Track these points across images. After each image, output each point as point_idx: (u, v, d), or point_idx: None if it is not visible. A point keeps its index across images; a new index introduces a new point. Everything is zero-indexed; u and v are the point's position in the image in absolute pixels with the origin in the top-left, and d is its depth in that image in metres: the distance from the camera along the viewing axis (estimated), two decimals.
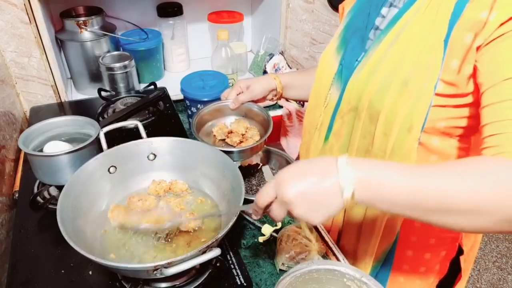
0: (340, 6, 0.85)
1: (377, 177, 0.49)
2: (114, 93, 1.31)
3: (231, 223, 0.64)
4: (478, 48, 0.55)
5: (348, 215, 0.83)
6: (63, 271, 0.75)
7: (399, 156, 0.66)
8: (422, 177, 0.49)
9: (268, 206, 0.56)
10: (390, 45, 0.65)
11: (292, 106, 1.44)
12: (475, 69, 0.56)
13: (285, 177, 0.53)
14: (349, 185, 0.49)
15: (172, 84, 1.42)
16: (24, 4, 1.13)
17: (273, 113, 1.45)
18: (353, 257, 0.84)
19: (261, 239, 0.86)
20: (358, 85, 0.70)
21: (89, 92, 1.39)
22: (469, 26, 0.56)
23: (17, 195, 0.95)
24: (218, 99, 1.20)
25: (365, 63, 0.69)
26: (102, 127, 0.86)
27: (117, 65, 1.28)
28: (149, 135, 0.87)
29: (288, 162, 1.06)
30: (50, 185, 0.87)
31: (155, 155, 0.85)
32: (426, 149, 0.67)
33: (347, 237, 0.85)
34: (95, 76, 1.35)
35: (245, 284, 0.73)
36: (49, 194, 0.86)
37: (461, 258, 0.79)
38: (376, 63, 0.67)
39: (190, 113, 1.24)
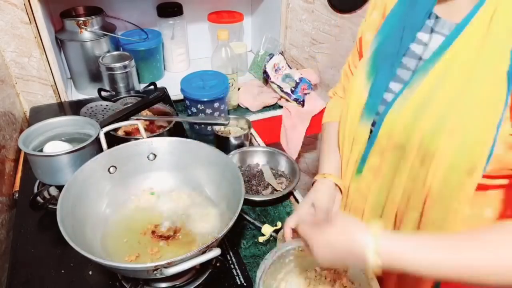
0: (358, 34, 0.79)
1: (404, 257, 0.51)
2: (114, 93, 1.31)
3: (231, 223, 0.64)
4: None
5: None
6: (63, 271, 0.75)
7: (456, 201, 0.61)
8: (444, 251, 0.50)
9: None
10: (440, 78, 0.59)
11: (292, 106, 1.44)
12: None
13: (318, 246, 0.57)
14: (375, 267, 0.52)
15: (172, 84, 1.42)
16: (24, 4, 1.13)
17: (273, 113, 1.45)
18: None
19: (261, 239, 0.86)
20: (405, 122, 0.63)
21: (89, 92, 1.39)
22: None
23: (17, 195, 0.95)
24: (219, 99, 1.21)
25: (409, 96, 0.62)
26: (102, 127, 0.86)
27: (117, 65, 1.28)
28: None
29: (288, 162, 1.06)
30: (50, 185, 0.87)
31: (155, 155, 0.85)
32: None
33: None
34: (95, 76, 1.35)
35: (245, 284, 0.73)
36: (49, 194, 0.86)
37: None
38: (425, 98, 0.61)
39: (190, 113, 1.24)
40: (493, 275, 0.49)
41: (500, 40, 0.53)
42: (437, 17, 0.63)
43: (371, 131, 0.70)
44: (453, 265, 0.50)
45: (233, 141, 1.12)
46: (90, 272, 0.74)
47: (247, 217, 0.91)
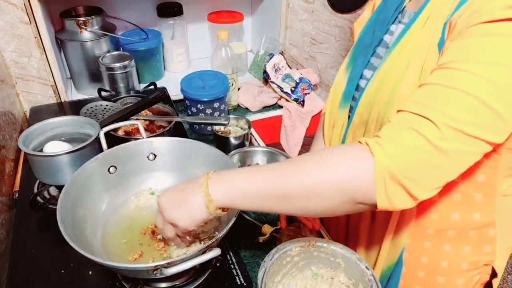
0: (353, 26, 0.85)
1: (231, 181, 0.58)
2: (114, 93, 1.31)
3: (231, 223, 0.64)
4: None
5: (352, 230, 0.82)
6: (63, 271, 0.75)
7: None
8: (264, 173, 0.57)
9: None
10: (396, 58, 0.65)
11: (292, 106, 1.45)
12: None
13: (163, 196, 0.62)
14: (208, 193, 0.57)
15: (172, 84, 1.43)
16: (24, 4, 1.13)
17: (273, 113, 1.45)
18: None
19: (261, 239, 0.86)
20: (369, 100, 0.69)
21: (89, 92, 1.39)
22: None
23: (17, 195, 0.95)
24: (219, 99, 1.21)
25: (374, 79, 0.69)
26: (102, 127, 0.86)
27: (117, 65, 1.28)
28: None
29: None
30: (50, 185, 0.87)
31: (155, 155, 0.85)
32: None
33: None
34: (95, 76, 1.35)
35: (245, 284, 0.73)
36: (49, 194, 0.86)
37: (493, 281, 0.74)
38: (383, 77, 0.67)
39: (190, 113, 1.24)
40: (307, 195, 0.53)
41: (437, 17, 0.59)
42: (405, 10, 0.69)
43: (350, 117, 0.75)
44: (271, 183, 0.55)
45: (233, 141, 1.12)
46: (90, 272, 0.74)
47: (247, 217, 0.91)
